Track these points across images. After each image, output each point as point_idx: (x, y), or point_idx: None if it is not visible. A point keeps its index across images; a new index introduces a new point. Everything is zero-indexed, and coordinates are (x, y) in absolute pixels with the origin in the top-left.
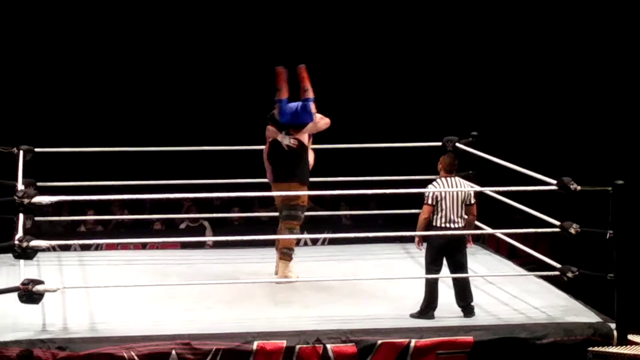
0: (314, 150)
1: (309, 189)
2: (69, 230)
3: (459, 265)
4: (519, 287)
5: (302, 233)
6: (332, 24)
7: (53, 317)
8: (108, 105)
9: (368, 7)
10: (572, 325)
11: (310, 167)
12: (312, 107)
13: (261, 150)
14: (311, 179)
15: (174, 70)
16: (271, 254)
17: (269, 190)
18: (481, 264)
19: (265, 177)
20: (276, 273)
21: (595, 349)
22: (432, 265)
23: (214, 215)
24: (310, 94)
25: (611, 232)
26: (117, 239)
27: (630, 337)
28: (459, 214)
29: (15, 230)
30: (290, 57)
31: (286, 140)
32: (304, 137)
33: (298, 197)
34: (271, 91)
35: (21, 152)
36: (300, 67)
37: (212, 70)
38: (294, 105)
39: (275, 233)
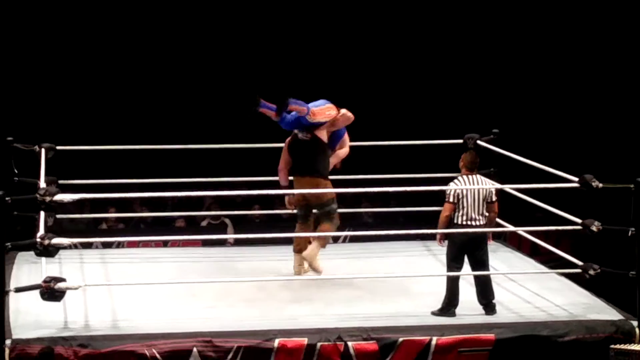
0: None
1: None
2: (91, 227)
3: (480, 262)
4: (541, 284)
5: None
6: (353, 21)
7: (75, 315)
8: (130, 103)
9: (391, 3)
10: (594, 323)
11: (340, 157)
12: (311, 116)
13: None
14: (333, 177)
15: (196, 68)
16: (291, 251)
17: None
18: (502, 261)
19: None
20: (298, 272)
21: (618, 346)
22: (454, 263)
23: (236, 212)
24: (304, 113)
25: (633, 229)
26: (139, 237)
27: None
28: (480, 212)
29: (37, 228)
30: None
31: (301, 134)
32: (322, 134)
33: (327, 193)
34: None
35: (43, 150)
36: (289, 106)
37: (233, 68)
38: (292, 115)
39: (293, 231)
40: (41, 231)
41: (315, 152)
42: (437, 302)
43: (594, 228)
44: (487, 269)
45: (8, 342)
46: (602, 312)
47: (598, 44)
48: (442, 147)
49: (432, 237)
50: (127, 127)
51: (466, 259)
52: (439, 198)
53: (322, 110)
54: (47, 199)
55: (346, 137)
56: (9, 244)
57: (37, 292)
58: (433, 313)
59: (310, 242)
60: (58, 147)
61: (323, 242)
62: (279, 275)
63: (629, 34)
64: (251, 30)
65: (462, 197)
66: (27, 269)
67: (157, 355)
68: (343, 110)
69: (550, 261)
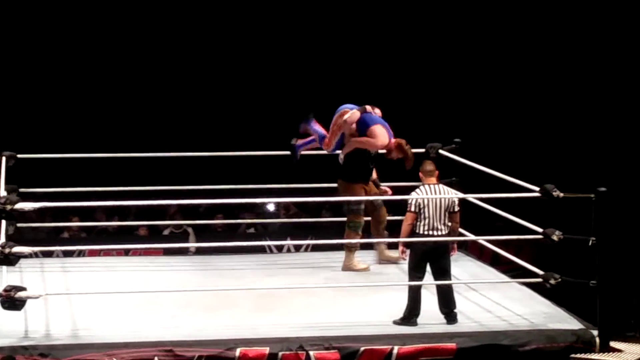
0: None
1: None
2: (52, 236)
3: (442, 272)
4: (502, 293)
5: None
6: (314, 27)
7: (35, 324)
8: (91, 111)
9: (351, 13)
10: (555, 332)
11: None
12: (325, 146)
13: (244, 156)
14: (295, 185)
15: (155, 76)
16: (253, 260)
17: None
18: (464, 270)
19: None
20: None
21: (578, 355)
22: (415, 272)
23: (198, 222)
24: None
25: (593, 239)
26: (99, 245)
27: (613, 343)
28: (443, 221)
29: None
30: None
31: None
32: (346, 150)
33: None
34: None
35: (3, 158)
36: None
37: (194, 76)
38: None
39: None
40: (2, 240)
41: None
42: (399, 311)
43: (554, 237)
44: (449, 278)
45: None
46: (563, 321)
47: (558, 55)
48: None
49: (394, 246)
50: (89, 135)
51: (428, 268)
52: (402, 207)
53: (331, 133)
54: (8, 207)
55: (377, 130)
56: None
57: None
58: (395, 322)
59: (377, 231)
60: (19, 155)
61: (349, 249)
62: (241, 284)
63: (589, 45)
64: (228, 38)
65: (424, 207)
66: None
67: None
68: (345, 116)
69: (512, 270)
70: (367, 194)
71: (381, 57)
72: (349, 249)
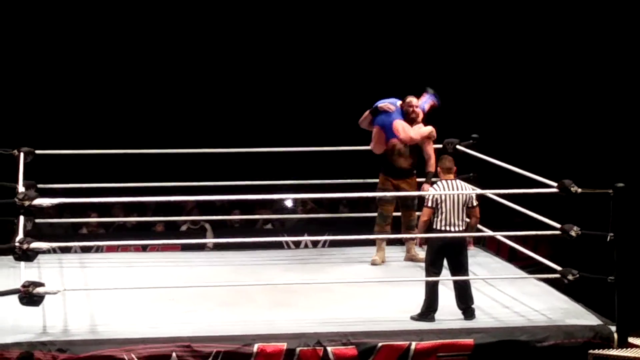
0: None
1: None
2: (70, 232)
3: (459, 267)
4: (520, 289)
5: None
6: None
7: (53, 320)
8: (109, 107)
9: (366, 8)
10: (573, 328)
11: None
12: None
13: (262, 152)
14: (313, 181)
15: (174, 72)
16: (271, 256)
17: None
18: (482, 266)
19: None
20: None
21: (596, 351)
22: (432, 268)
23: (215, 217)
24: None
25: (612, 234)
26: (117, 241)
27: (631, 339)
28: (460, 217)
29: (16, 232)
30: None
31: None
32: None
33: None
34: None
35: (22, 154)
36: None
37: (211, 72)
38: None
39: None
40: (20, 235)
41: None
42: (417, 307)
43: (572, 233)
44: (466, 274)
45: None
46: (581, 317)
47: (577, 50)
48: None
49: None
50: (107, 131)
51: (445, 264)
52: (419, 203)
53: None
54: (26, 203)
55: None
56: None
57: (15, 297)
58: (412, 318)
59: (407, 227)
60: (37, 151)
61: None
62: (258, 280)
63: (605, 40)
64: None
65: (441, 202)
66: (5, 274)
67: None
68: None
69: (529, 266)
70: (394, 189)
71: (398, 53)
72: (379, 243)
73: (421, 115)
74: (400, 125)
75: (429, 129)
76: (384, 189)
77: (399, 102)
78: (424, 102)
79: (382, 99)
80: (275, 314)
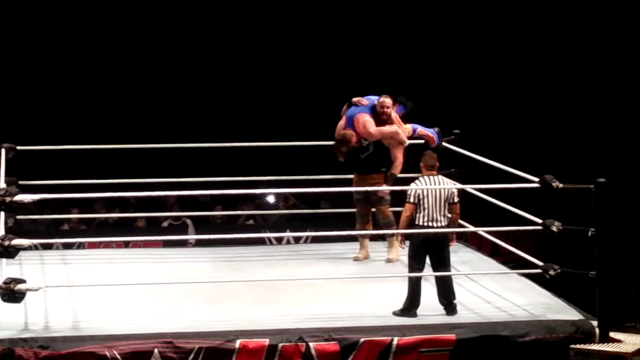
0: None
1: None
2: (52, 228)
3: (441, 263)
4: (502, 284)
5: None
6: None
7: (35, 316)
8: (91, 103)
9: (351, 8)
10: (554, 323)
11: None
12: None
13: (243, 147)
14: (293, 177)
15: (155, 67)
16: (253, 252)
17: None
18: (464, 261)
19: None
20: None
21: (577, 346)
22: (415, 264)
23: (197, 213)
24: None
25: (593, 229)
26: (99, 237)
27: (612, 334)
28: (442, 212)
29: None
30: None
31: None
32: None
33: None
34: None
35: (2, 150)
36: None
37: (194, 67)
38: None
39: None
40: (1, 232)
41: None
42: (399, 303)
43: (554, 228)
44: (449, 270)
45: None
46: (562, 312)
47: (557, 46)
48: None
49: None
50: (89, 127)
51: (428, 260)
52: (401, 198)
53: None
54: (7, 199)
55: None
56: None
57: None
58: (394, 313)
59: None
60: (18, 147)
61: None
62: (241, 276)
63: (587, 36)
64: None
65: (423, 198)
66: None
67: (118, 357)
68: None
69: (511, 262)
70: (358, 184)
71: (381, 50)
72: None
73: (394, 117)
74: (362, 119)
75: (393, 129)
76: (355, 186)
77: (377, 101)
78: (416, 126)
79: (368, 94)
80: (257, 310)
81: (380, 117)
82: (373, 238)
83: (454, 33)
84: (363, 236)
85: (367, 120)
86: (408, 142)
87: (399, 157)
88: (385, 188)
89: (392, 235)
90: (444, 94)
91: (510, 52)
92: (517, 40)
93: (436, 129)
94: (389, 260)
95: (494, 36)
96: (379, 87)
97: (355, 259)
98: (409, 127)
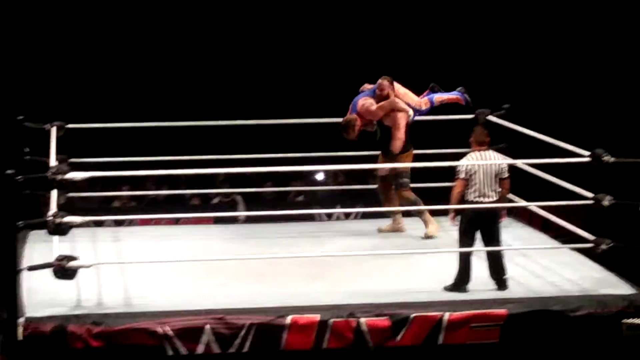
0: None
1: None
2: (103, 206)
3: (492, 238)
4: (553, 259)
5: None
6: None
7: (87, 293)
8: (141, 80)
9: None
10: (606, 298)
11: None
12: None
13: (293, 124)
14: (340, 153)
15: (204, 44)
16: (303, 228)
17: (299, 164)
18: (514, 236)
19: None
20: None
21: (630, 320)
22: (466, 239)
23: (247, 190)
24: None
25: None
26: (150, 214)
27: None
28: (492, 188)
29: (49, 206)
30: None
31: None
32: None
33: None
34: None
35: (53, 129)
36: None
37: (246, 45)
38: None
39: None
40: (53, 209)
41: None
42: (450, 278)
43: (605, 202)
44: (499, 245)
45: (21, 320)
46: (614, 286)
47: (610, 17)
48: (454, 123)
49: (444, 212)
50: (139, 105)
51: (479, 235)
52: (450, 174)
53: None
54: (59, 177)
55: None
56: (20, 222)
57: (49, 271)
58: (445, 289)
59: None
60: (69, 126)
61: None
62: (290, 252)
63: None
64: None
65: (474, 173)
66: (39, 248)
67: (170, 333)
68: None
69: (562, 236)
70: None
71: (430, 25)
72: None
73: (392, 96)
74: (361, 102)
75: (390, 99)
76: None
77: None
78: (432, 96)
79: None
80: (308, 286)
81: (380, 100)
82: (404, 214)
83: (503, 8)
84: (395, 212)
85: (366, 101)
86: (411, 111)
87: (396, 133)
88: (393, 166)
89: (422, 211)
90: (494, 69)
91: (558, 24)
92: (566, 12)
93: (460, 89)
94: (426, 236)
95: (544, 9)
96: (427, 64)
97: (380, 230)
98: (425, 99)
